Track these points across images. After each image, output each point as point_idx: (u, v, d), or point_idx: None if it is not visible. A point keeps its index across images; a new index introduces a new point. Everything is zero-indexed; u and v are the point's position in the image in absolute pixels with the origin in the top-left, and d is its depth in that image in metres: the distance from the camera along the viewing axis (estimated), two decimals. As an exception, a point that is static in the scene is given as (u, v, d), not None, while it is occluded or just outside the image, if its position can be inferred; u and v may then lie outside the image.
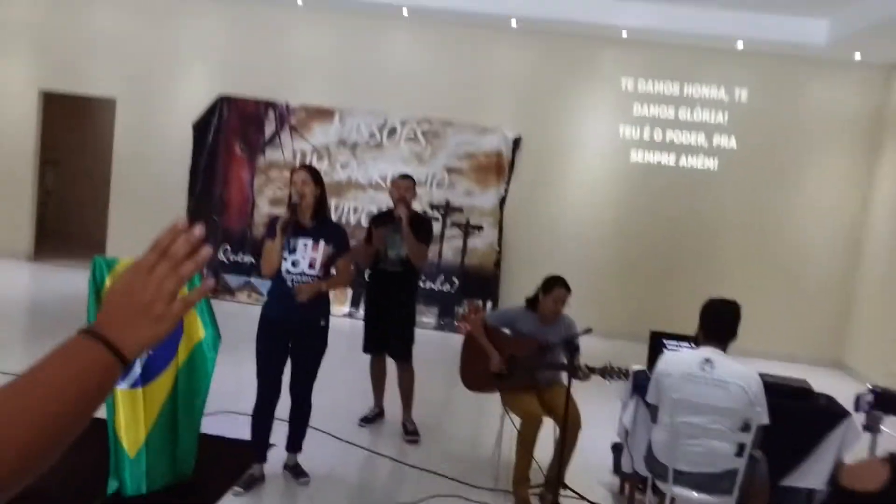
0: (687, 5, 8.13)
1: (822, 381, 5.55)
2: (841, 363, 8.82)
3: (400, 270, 5.24)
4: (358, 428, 5.38)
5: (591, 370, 4.29)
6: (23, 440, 0.82)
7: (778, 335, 8.81)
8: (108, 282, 3.79)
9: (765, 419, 3.61)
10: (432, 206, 8.97)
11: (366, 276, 5.49)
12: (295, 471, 4.47)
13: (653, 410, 3.88)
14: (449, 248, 8.99)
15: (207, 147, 9.32)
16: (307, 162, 9.06)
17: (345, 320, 8.65)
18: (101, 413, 4.26)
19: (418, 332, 5.50)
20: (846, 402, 4.32)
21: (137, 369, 3.84)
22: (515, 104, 9.16)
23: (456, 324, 8.79)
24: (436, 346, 7.73)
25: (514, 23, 8.74)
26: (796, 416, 4.13)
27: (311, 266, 4.20)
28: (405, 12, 8.82)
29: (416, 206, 6.12)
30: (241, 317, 6.75)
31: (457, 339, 5.20)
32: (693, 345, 3.86)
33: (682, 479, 3.67)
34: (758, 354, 7.84)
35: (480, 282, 8.99)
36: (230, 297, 9.01)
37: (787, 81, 8.94)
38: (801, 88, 8.94)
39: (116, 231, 9.62)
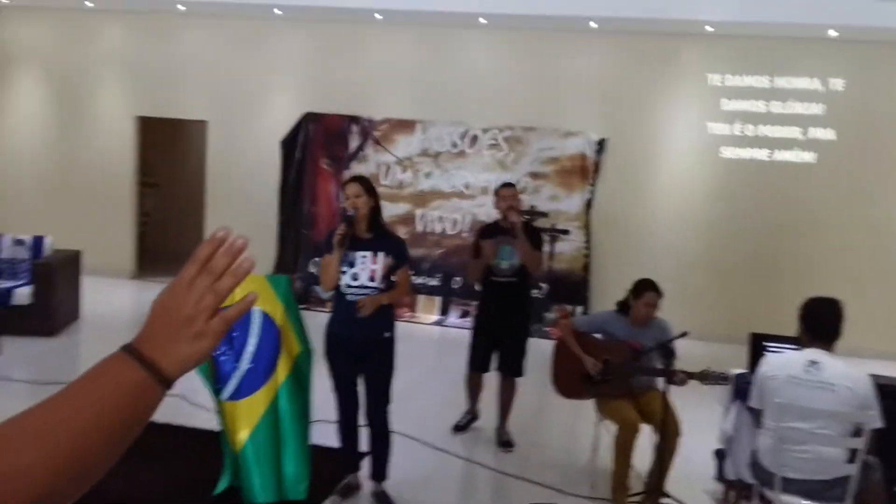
0: (772, -6, 7.85)
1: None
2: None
3: (515, 280, 5.19)
4: (451, 436, 5.39)
5: (689, 375, 4.18)
6: (50, 458, 0.78)
7: (891, 333, 8.37)
8: None
9: (878, 423, 3.43)
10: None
11: (476, 288, 5.45)
12: (381, 498, 4.30)
13: (756, 415, 3.74)
14: (536, 253, 8.92)
15: (295, 163, 9.57)
16: (391, 174, 9.20)
17: (434, 328, 8.68)
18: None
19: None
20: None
21: (232, 384, 3.82)
22: (598, 106, 9.02)
23: (546, 329, 8.71)
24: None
25: (592, 24, 8.63)
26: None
27: (371, 279, 4.07)
28: (482, 20, 8.84)
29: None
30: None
31: (547, 346, 5.14)
32: (799, 346, 3.70)
33: (791, 486, 3.51)
34: (870, 355, 7.48)
35: (569, 286, 8.89)
36: (321, 307, 9.19)
37: (888, 68, 8.50)
38: (903, 74, 8.50)
39: (212, 248, 9.93)
